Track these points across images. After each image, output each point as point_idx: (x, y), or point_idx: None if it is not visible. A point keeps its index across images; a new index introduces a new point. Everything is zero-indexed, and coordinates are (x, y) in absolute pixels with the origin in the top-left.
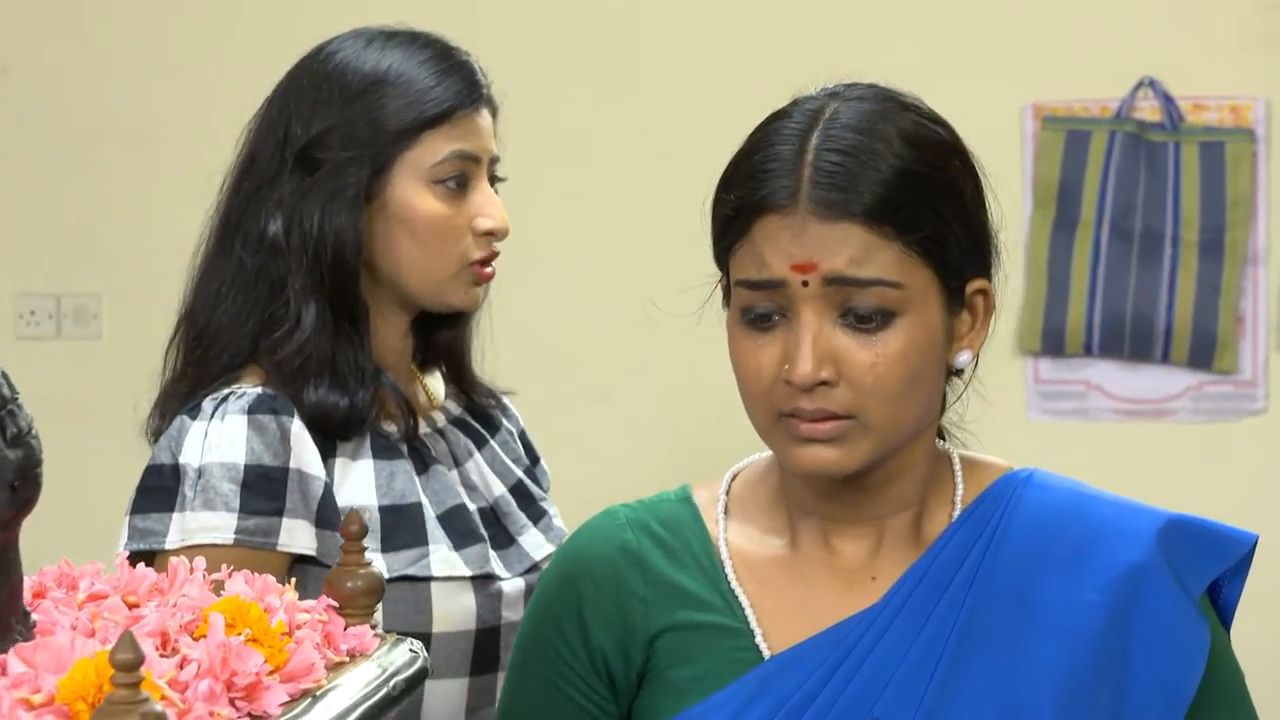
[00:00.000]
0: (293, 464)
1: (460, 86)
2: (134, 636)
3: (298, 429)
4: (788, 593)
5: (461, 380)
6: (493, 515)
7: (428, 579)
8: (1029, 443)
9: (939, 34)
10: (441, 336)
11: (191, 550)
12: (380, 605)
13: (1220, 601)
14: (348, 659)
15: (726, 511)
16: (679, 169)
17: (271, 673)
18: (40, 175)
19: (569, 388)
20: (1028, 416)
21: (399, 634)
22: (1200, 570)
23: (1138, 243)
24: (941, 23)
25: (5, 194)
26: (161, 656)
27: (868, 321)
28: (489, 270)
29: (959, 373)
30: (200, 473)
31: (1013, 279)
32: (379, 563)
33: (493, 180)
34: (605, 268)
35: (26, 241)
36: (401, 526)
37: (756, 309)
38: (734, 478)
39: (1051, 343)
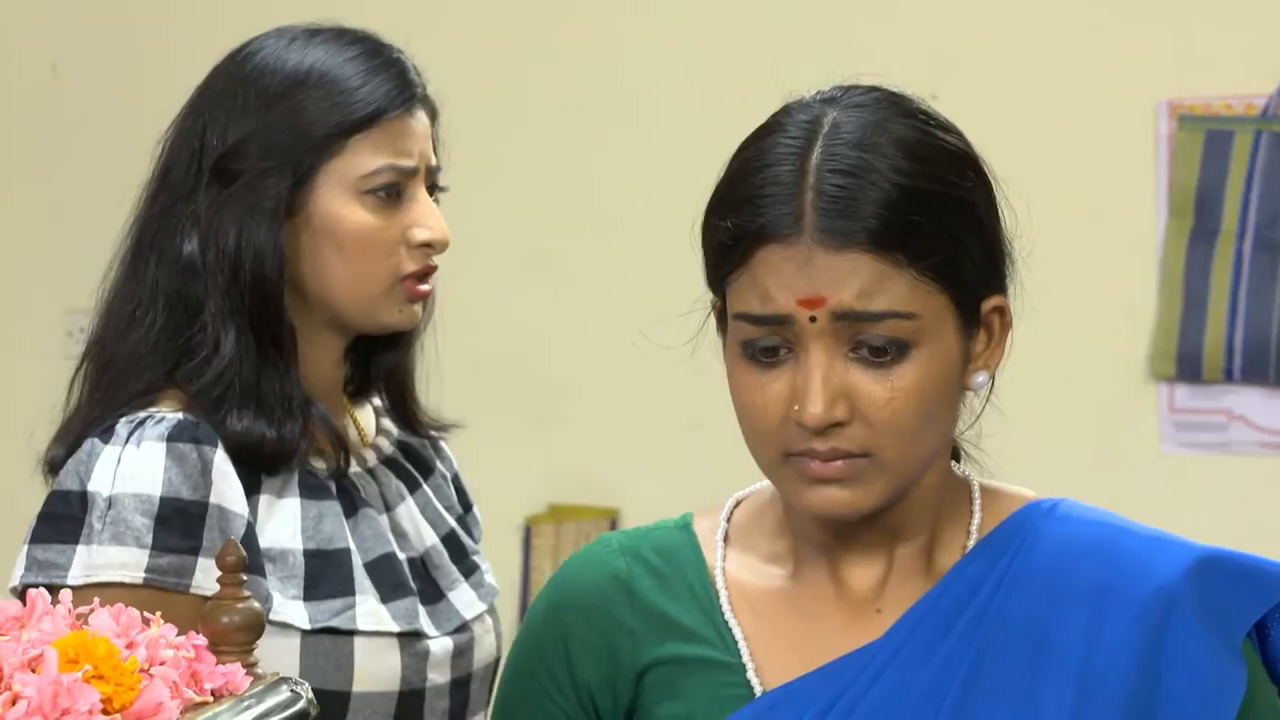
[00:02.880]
0: (213, 499)
1: (389, 87)
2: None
3: (220, 460)
4: (786, 625)
5: (403, 410)
6: (422, 567)
7: (352, 632)
8: (1163, 478)
9: (1063, 24)
10: (382, 361)
11: (96, 588)
12: (259, 643)
13: (1269, 645)
14: (211, 699)
15: (727, 539)
16: None
17: (114, 711)
18: (89, 182)
19: (659, 415)
20: (1161, 449)
21: (317, 691)
22: (1240, 610)
23: None
24: (1067, 11)
25: (53, 203)
26: None
27: (881, 355)
28: (424, 287)
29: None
30: (111, 503)
31: (1145, 296)
32: (301, 611)
33: (432, 190)
34: (696, 293)
35: (75, 255)
36: (328, 574)
37: (760, 343)
38: (736, 505)
39: (1188, 367)
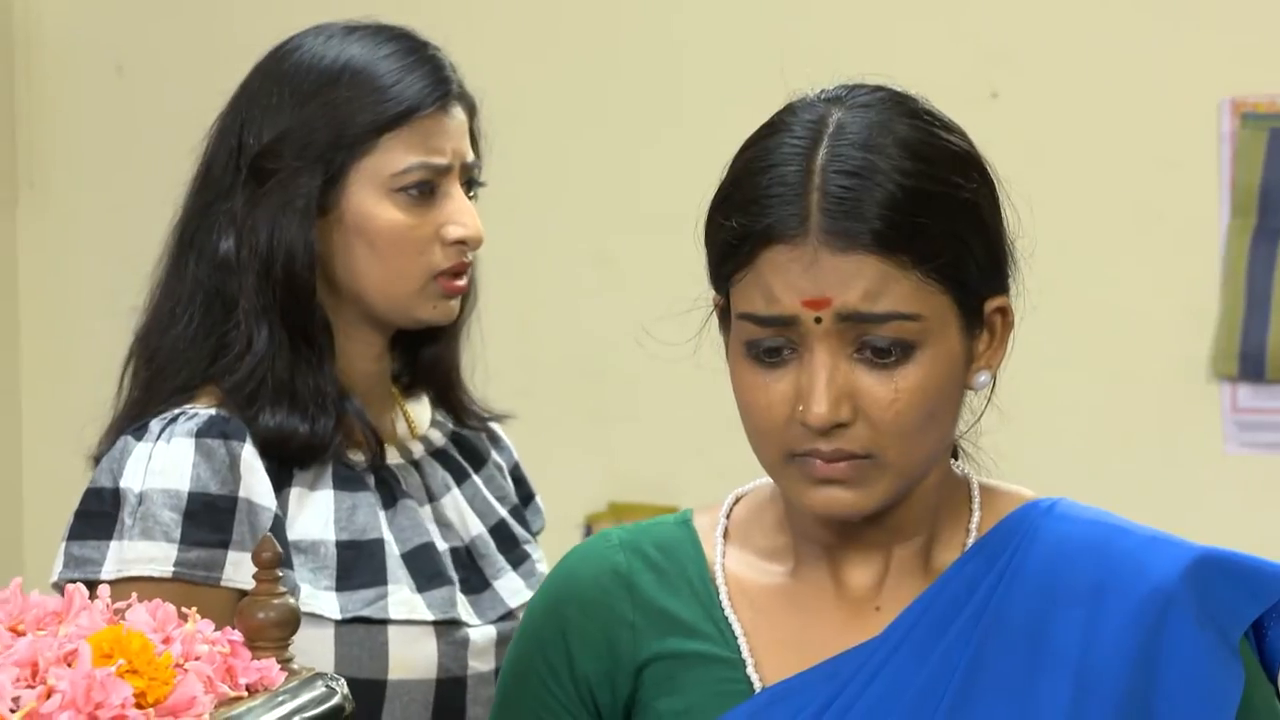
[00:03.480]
0: (242, 493)
1: (422, 84)
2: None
3: (248, 455)
4: (785, 622)
5: (449, 402)
6: (467, 556)
7: (384, 621)
8: (1226, 479)
9: (1125, 22)
10: (425, 354)
11: (129, 582)
12: (294, 638)
13: (1266, 645)
14: (246, 694)
15: (726, 536)
16: None
17: (147, 705)
18: (154, 182)
19: (719, 414)
20: (1224, 450)
21: (352, 680)
22: (1237, 610)
23: None
24: (1129, 9)
25: (117, 199)
26: (29, 687)
27: (885, 356)
28: (459, 282)
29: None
30: (141, 499)
31: (1208, 295)
32: (332, 602)
33: (471, 185)
34: None
35: (139, 254)
36: (360, 564)
37: (764, 343)
38: (736, 501)
39: (1251, 366)
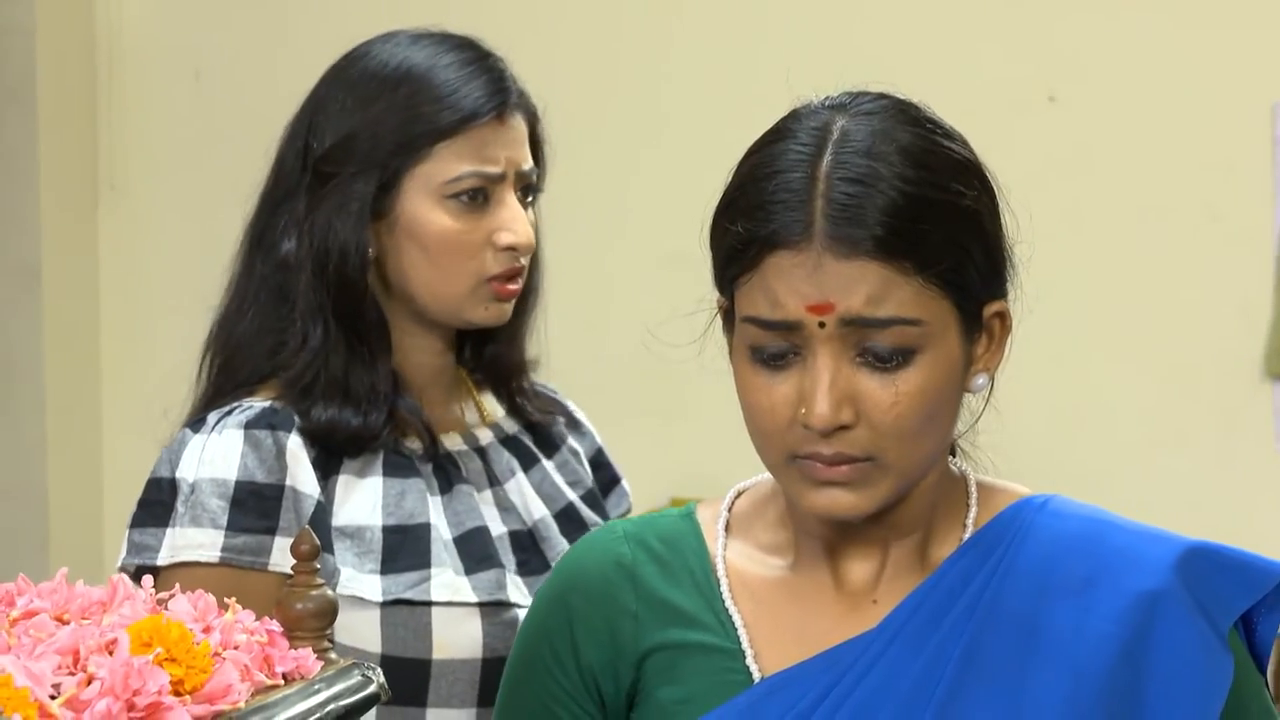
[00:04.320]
0: (288, 481)
1: (479, 94)
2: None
3: (294, 445)
4: (785, 614)
5: (509, 399)
6: (529, 539)
7: (427, 604)
8: (1278, 477)
9: (1179, 26)
10: (486, 352)
11: (181, 568)
12: (332, 627)
13: (1255, 638)
14: (282, 682)
15: (728, 529)
16: None
17: (184, 692)
18: (232, 186)
19: None
20: (1277, 448)
21: (398, 659)
22: (1228, 602)
23: None
24: (1183, 13)
25: (195, 202)
26: (70, 674)
27: (887, 360)
28: (512, 286)
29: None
30: (193, 488)
31: (1261, 295)
32: (376, 584)
33: (530, 190)
34: None
35: (218, 256)
36: (405, 548)
37: (768, 348)
38: (739, 495)
39: None
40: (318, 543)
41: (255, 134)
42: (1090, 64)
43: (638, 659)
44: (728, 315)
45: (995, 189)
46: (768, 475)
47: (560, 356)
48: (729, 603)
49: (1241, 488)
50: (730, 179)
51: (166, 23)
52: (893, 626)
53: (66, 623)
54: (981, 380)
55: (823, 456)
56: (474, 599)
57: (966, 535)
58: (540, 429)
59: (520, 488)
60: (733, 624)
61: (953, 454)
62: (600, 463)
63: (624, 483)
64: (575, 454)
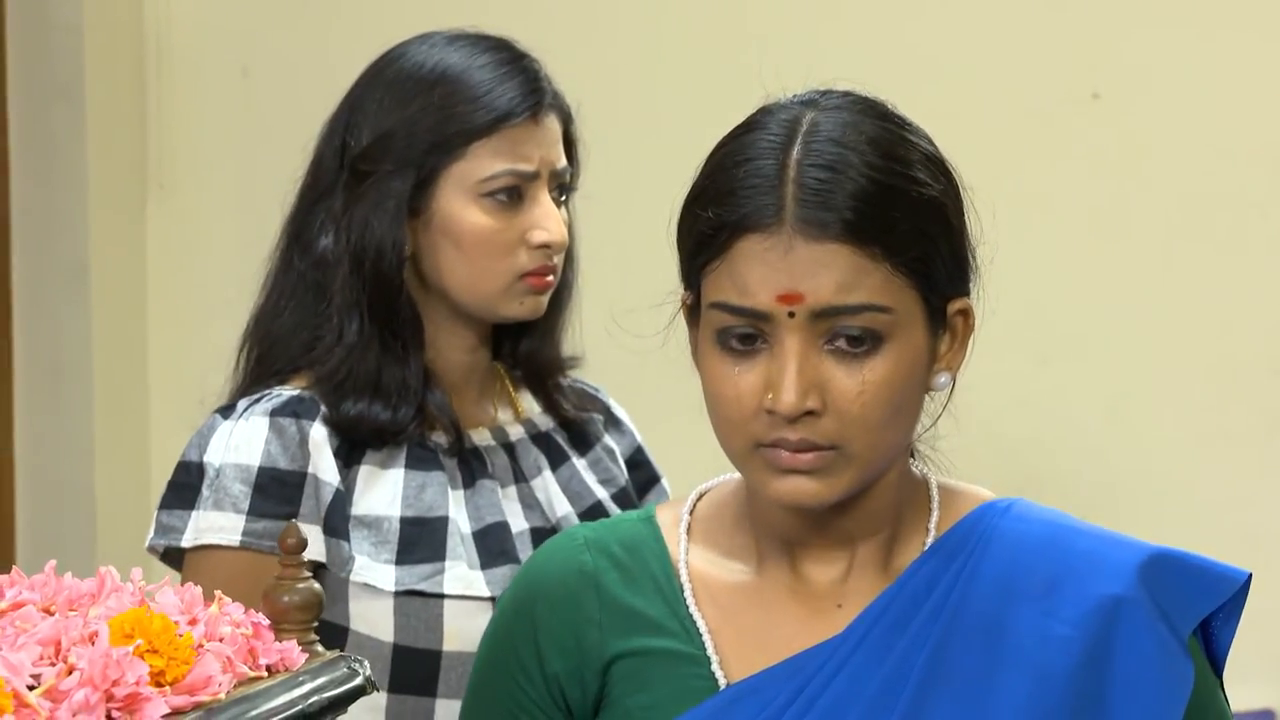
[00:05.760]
0: (310, 469)
1: (514, 94)
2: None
3: (318, 434)
4: (749, 619)
5: (543, 394)
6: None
7: (440, 596)
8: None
9: (1223, 19)
10: (521, 348)
11: (203, 550)
12: (318, 619)
13: (1212, 644)
14: (265, 674)
15: (689, 533)
16: None
17: (165, 684)
18: (279, 183)
19: None
20: None
21: (410, 649)
22: (1188, 608)
23: None
24: (1223, 9)
25: (243, 200)
26: (52, 665)
27: (857, 345)
28: (546, 278)
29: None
30: (218, 473)
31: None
32: (390, 574)
33: (564, 189)
34: None
35: (264, 250)
36: (422, 540)
37: (735, 330)
38: (700, 497)
39: None
40: (305, 536)
41: (303, 132)
42: (1135, 60)
43: (603, 666)
44: (692, 309)
45: (960, 186)
46: (730, 477)
47: (589, 351)
48: (693, 608)
49: (1241, 488)
50: (700, 170)
51: (215, 20)
52: (858, 632)
53: (53, 614)
54: (943, 379)
55: (788, 443)
56: (487, 593)
57: (929, 539)
58: (575, 426)
59: (546, 485)
60: (697, 630)
61: (912, 456)
62: (638, 461)
63: (664, 482)
64: (610, 452)
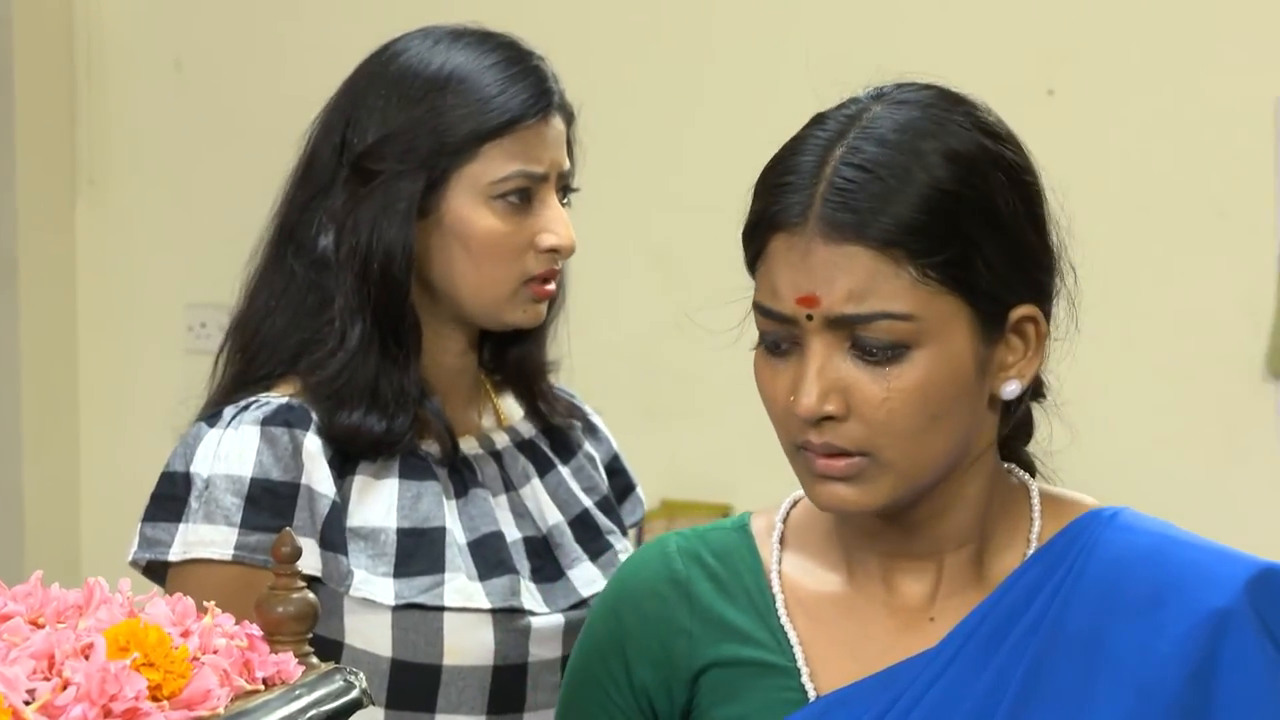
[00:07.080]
0: (303, 480)
1: (525, 96)
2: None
3: (311, 444)
4: (841, 630)
5: (530, 400)
6: (543, 546)
7: (440, 609)
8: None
9: (1181, 21)
10: (510, 354)
11: (192, 564)
12: (312, 630)
13: None
14: (263, 687)
15: (783, 541)
16: None
17: (162, 698)
18: (211, 177)
19: None
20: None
21: (409, 663)
22: None
23: None
24: (1184, 7)
25: (176, 196)
26: (46, 679)
27: (876, 354)
28: (549, 287)
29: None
30: (207, 484)
31: (1264, 294)
32: (389, 587)
33: (566, 191)
34: None
35: (197, 248)
36: (420, 552)
37: (769, 336)
38: (794, 505)
39: None
40: (299, 545)
41: (237, 125)
42: (1090, 58)
43: (692, 677)
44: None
45: (1036, 191)
46: None
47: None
48: (784, 619)
49: (1244, 487)
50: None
51: (146, 10)
52: (953, 645)
53: (42, 626)
54: (1012, 387)
55: (813, 446)
56: (487, 605)
57: (1031, 548)
58: (557, 433)
59: (535, 493)
60: (788, 641)
61: (1017, 461)
62: (615, 469)
63: (639, 490)
64: (591, 459)
